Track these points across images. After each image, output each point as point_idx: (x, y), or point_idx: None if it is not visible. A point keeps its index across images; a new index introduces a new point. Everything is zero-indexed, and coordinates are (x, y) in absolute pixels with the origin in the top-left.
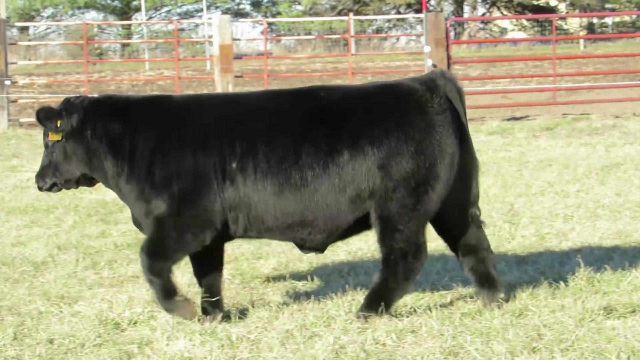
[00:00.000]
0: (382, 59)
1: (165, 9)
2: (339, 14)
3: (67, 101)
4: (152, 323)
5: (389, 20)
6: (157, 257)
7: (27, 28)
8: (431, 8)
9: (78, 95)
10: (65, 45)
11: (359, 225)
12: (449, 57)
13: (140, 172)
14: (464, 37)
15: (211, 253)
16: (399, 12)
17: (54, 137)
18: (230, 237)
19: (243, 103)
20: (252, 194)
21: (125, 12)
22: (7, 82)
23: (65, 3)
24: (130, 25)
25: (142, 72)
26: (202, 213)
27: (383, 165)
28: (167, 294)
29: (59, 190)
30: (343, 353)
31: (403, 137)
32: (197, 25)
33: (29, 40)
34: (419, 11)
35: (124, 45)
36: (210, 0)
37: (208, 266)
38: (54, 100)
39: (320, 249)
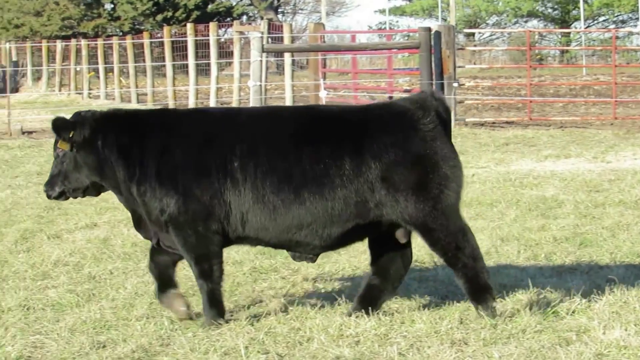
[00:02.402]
0: None
1: (602, 17)
2: None
3: (78, 114)
4: (589, 312)
5: None
6: (199, 258)
7: (472, 34)
8: None
9: (88, 110)
10: (508, 50)
11: (359, 233)
12: None
13: (150, 173)
14: None
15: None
16: None
17: (63, 146)
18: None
19: (244, 116)
20: (251, 193)
21: (564, 20)
22: (455, 85)
23: (509, 12)
24: (569, 33)
25: (579, 77)
26: (205, 206)
27: (386, 177)
28: (214, 302)
29: (66, 198)
30: None
31: (401, 149)
32: (632, 34)
33: (474, 45)
34: None
35: (562, 52)
36: None
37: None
38: (497, 102)
39: (311, 258)
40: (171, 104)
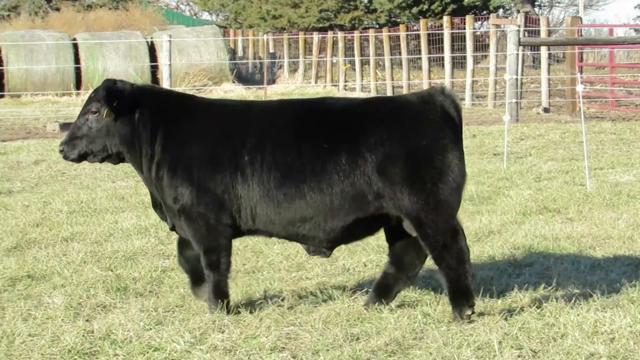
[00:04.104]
0: None
1: None
2: None
3: (114, 82)
4: None
5: None
6: (208, 249)
7: None
8: None
9: (122, 80)
10: None
11: (364, 227)
12: None
13: (169, 160)
14: None
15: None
16: None
17: (108, 115)
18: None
19: (257, 108)
20: (258, 187)
21: None
22: None
23: None
24: None
25: None
26: (218, 198)
27: (381, 170)
28: (219, 293)
29: (81, 161)
30: None
31: (397, 143)
32: None
33: None
34: None
35: None
36: None
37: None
38: None
39: (324, 252)
40: None
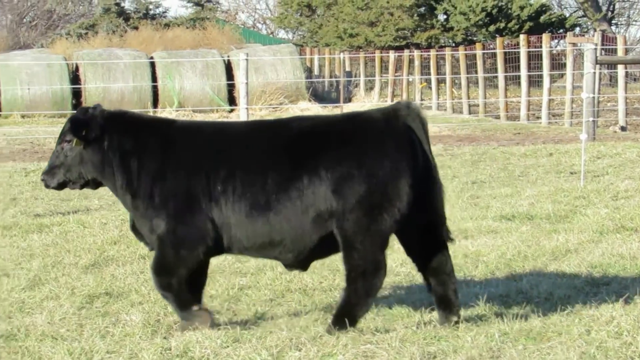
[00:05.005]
0: None
1: None
2: None
3: (85, 111)
4: None
5: None
6: (162, 274)
7: None
8: None
9: (94, 106)
10: None
11: (329, 245)
12: None
13: (143, 191)
14: None
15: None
16: None
17: (78, 144)
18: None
19: (229, 131)
20: (230, 215)
21: None
22: None
23: None
24: None
25: None
26: (195, 231)
27: (337, 189)
28: (182, 305)
29: (62, 189)
30: None
31: (355, 162)
32: None
33: None
34: None
35: None
36: None
37: None
38: None
39: (302, 267)
40: (502, 116)
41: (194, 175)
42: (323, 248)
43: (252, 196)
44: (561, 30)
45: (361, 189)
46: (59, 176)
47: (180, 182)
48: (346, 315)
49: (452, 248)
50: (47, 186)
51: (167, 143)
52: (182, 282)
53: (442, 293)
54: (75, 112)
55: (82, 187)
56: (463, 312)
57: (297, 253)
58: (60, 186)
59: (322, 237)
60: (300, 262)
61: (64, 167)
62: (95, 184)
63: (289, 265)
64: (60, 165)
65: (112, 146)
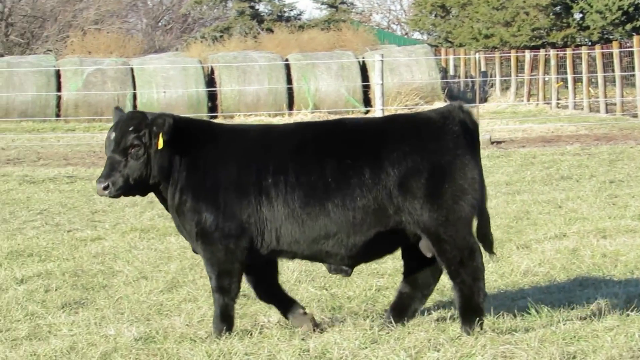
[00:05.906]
0: None
1: None
2: None
3: (160, 116)
4: None
5: None
6: (220, 275)
7: None
8: None
9: (161, 113)
10: None
11: (383, 243)
12: None
13: (194, 185)
14: None
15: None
16: None
17: (161, 144)
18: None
19: (280, 133)
20: (282, 208)
21: None
22: None
23: None
24: None
25: None
26: (241, 223)
27: (403, 183)
28: (225, 315)
29: (127, 196)
30: None
31: (419, 157)
32: None
33: None
34: None
35: None
36: None
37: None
38: None
39: (346, 270)
40: None
41: (245, 173)
42: (376, 245)
43: (309, 187)
44: None
45: (430, 182)
46: (122, 182)
47: (233, 176)
48: (468, 309)
49: (589, 247)
50: (109, 194)
51: (223, 143)
52: (238, 286)
53: (406, 304)
54: (132, 113)
55: (133, 194)
56: (602, 310)
57: (350, 246)
58: (123, 193)
59: (379, 232)
60: (351, 259)
61: (129, 172)
62: (147, 191)
63: (339, 263)
64: (123, 170)
65: (177, 149)
